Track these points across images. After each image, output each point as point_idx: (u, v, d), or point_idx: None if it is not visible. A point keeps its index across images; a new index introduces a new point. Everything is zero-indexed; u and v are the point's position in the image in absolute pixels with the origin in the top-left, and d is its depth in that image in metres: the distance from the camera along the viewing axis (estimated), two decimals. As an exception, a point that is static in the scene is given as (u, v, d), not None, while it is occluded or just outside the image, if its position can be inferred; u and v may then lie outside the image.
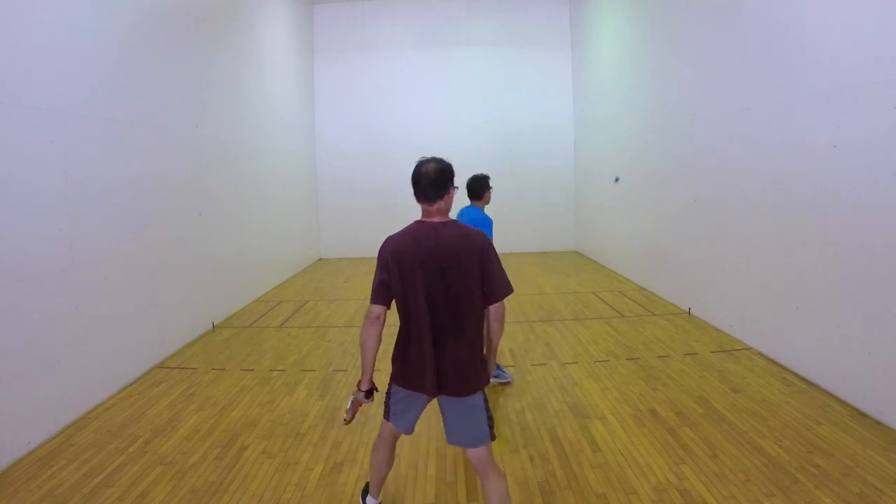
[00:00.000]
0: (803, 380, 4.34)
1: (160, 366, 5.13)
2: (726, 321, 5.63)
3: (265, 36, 8.85)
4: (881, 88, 3.56)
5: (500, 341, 4.42)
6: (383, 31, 11.71)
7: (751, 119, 5.06)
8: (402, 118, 11.67)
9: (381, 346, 2.47)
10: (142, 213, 5.01)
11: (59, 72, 3.96)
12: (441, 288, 2.29)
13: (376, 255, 2.42)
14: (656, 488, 2.97)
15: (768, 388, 4.22)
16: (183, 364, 5.19)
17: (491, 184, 4.34)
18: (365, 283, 8.66)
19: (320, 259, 11.82)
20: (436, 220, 2.37)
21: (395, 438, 2.62)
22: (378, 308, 2.36)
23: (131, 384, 4.68)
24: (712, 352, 5.10)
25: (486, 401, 2.41)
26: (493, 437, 2.39)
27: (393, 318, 2.40)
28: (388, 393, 2.52)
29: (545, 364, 4.98)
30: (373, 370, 2.47)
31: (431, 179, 2.32)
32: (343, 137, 11.76)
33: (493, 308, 2.38)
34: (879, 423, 3.57)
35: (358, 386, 2.50)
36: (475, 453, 2.36)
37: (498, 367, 4.45)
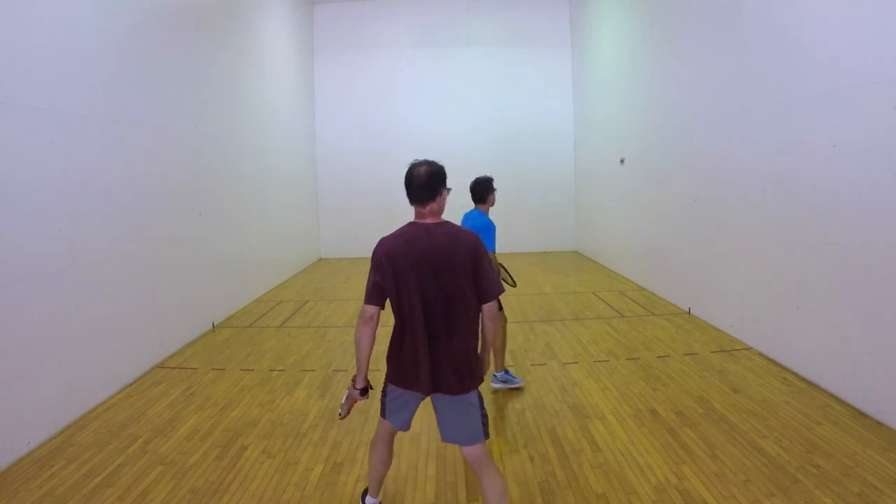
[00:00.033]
0: (803, 380, 4.34)
1: (160, 366, 5.13)
2: (726, 321, 5.63)
3: (265, 36, 8.85)
4: (881, 88, 3.55)
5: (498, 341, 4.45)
6: (383, 31, 11.72)
7: (751, 119, 5.06)
8: (402, 118, 11.68)
9: (377, 346, 2.50)
10: (142, 213, 5.01)
11: (59, 72, 3.96)
12: (435, 288, 2.33)
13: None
14: (656, 488, 2.97)
15: (768, 388, 4.22)
16: (183, 364, 5.19)
17: (495, 185, 4.25)
18: (365, 284, 8.65)
19: (320, 259, 11.82)
20: (428, 221, 2.41)
21: (392, 436, 2.66)
22: (371, 308, 2.40)
23: (131, 384, 4.68)
24: (712, 352, 5.10)
25: (481, 399, 2.45)
26: (487, 436, 2.42)
27: (387, 317, 2.41)
28: (383, 391, 2.57)
29: (545, 364, 4.98)
30: (367, 368, 2.52)
31: (423, 182, 2.36)
32: (343, 137, 11.76)
33: (486, 307, 2.42)
34: (879, 423, 3.56)
35: (353, 383, 2.55)
36: (471, 451, 2.40)
37: (507, 372, 4.39)
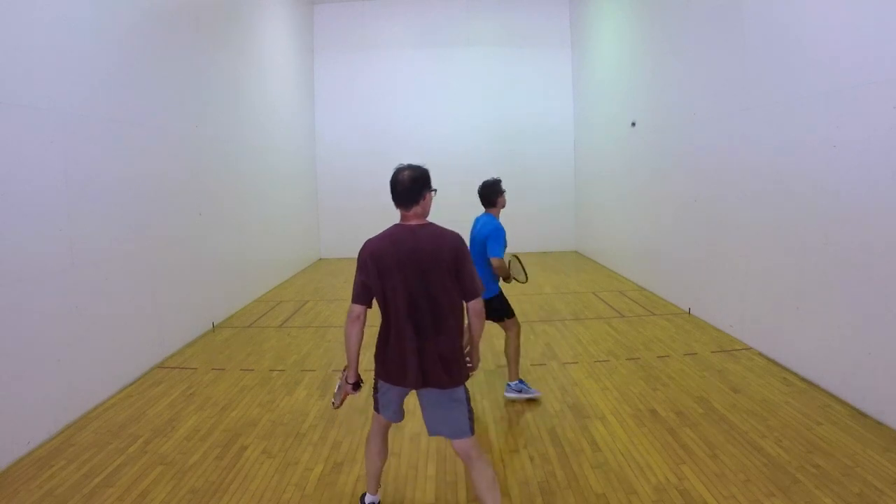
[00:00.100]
0: (803, 380, 4.34)
1: (160, 366, 5.13)
2: (726, 321, 5.63)
3: (265, 36, 8.85)
4: (881, 88, 3.55)
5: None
6: (383, 31, 11.71)
7: (751, 119, 5.06)
8: (402, 118, 11.67)
9: (368, 347, 2.63)
10: (142, 213, 5.01)
11: (59, 72, 3.96)
12: (420, 288, 2.41)
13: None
14: (656, 488, 2.97)
15: (768, 388, 4.22)
16: (183, 364, 5.19)
17: (504, 187, 4.11)
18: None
19: (320, 259, 11.82)
20: (413, 223, 2.49)
21: (386, 429, 2.78)
22: (358, 308, 2.49)
23: (131, 384, 4.68)
24: (712, 352, 5.10)
25: (468, 395, 2.53)
26: (472, 431, 2.49)
27: (374, 318, 2.49)
28: (374, 388, 2.68)
29: (545, 364, 4.98)
30: (357, 363, 2.64)
31: (406, 187, 2.45)
32: (343, 137, 11.75)
33: (470, 305, 2.51)
34: (879, 423, 3.56)
35: (345, 378, 2.69)
36: (459, 444, 2.49)
37: (522, 381, 4.22)
